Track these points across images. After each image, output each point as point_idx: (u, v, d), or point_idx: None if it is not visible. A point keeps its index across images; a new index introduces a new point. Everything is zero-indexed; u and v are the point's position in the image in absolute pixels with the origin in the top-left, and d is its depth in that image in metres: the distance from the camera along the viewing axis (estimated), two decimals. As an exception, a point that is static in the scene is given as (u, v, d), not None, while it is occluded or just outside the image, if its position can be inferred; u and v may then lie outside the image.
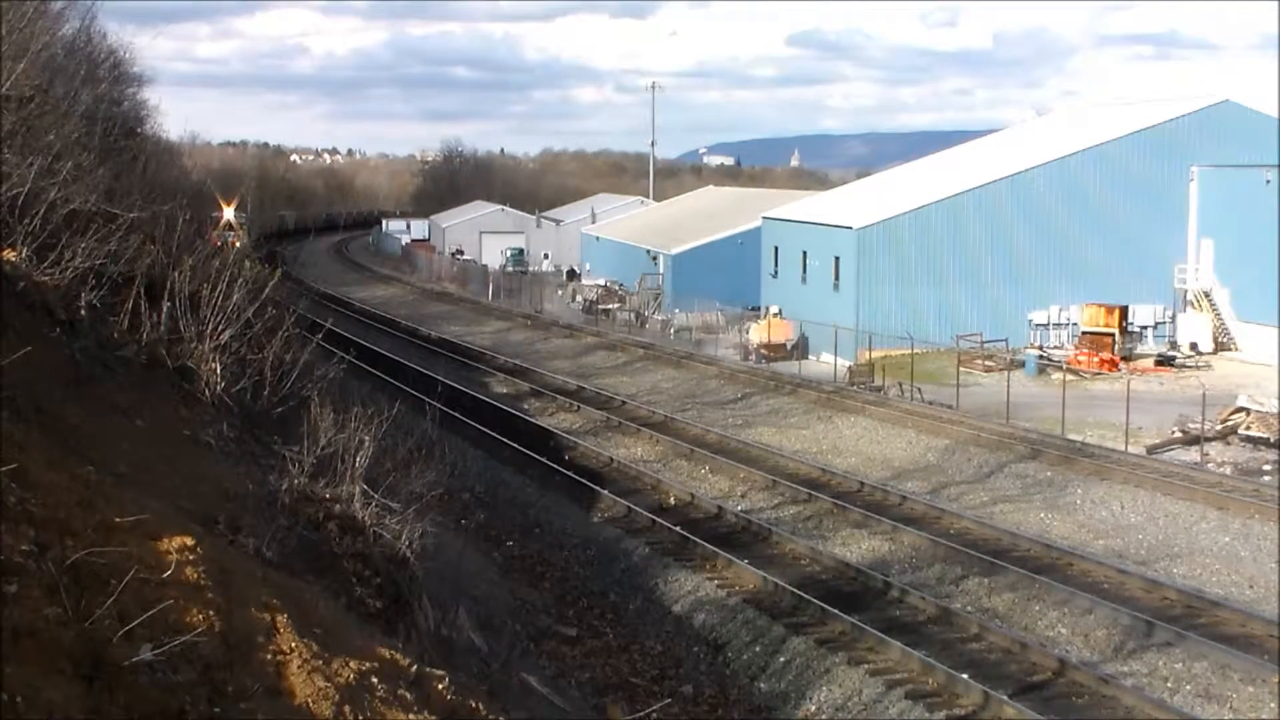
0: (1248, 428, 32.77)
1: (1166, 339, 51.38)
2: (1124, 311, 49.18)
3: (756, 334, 52.39)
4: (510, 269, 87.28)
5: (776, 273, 59.79)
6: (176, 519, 7.55)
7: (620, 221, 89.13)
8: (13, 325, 9.67)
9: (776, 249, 60.11)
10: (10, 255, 11.55)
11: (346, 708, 5.92)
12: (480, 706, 7.19)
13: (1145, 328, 50.98)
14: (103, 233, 13.44)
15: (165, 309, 13.11)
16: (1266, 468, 29.55)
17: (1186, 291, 52.62)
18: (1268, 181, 48.58)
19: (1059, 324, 51.79)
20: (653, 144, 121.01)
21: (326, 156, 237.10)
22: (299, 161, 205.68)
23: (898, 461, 30.55)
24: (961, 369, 40.96)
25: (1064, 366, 43.05)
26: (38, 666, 4.83)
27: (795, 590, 19.48)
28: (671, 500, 26.16)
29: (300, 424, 12.53)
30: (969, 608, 19.44)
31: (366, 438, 12.04)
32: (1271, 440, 31.49)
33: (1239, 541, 23.44)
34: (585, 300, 69.04)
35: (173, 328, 13.22)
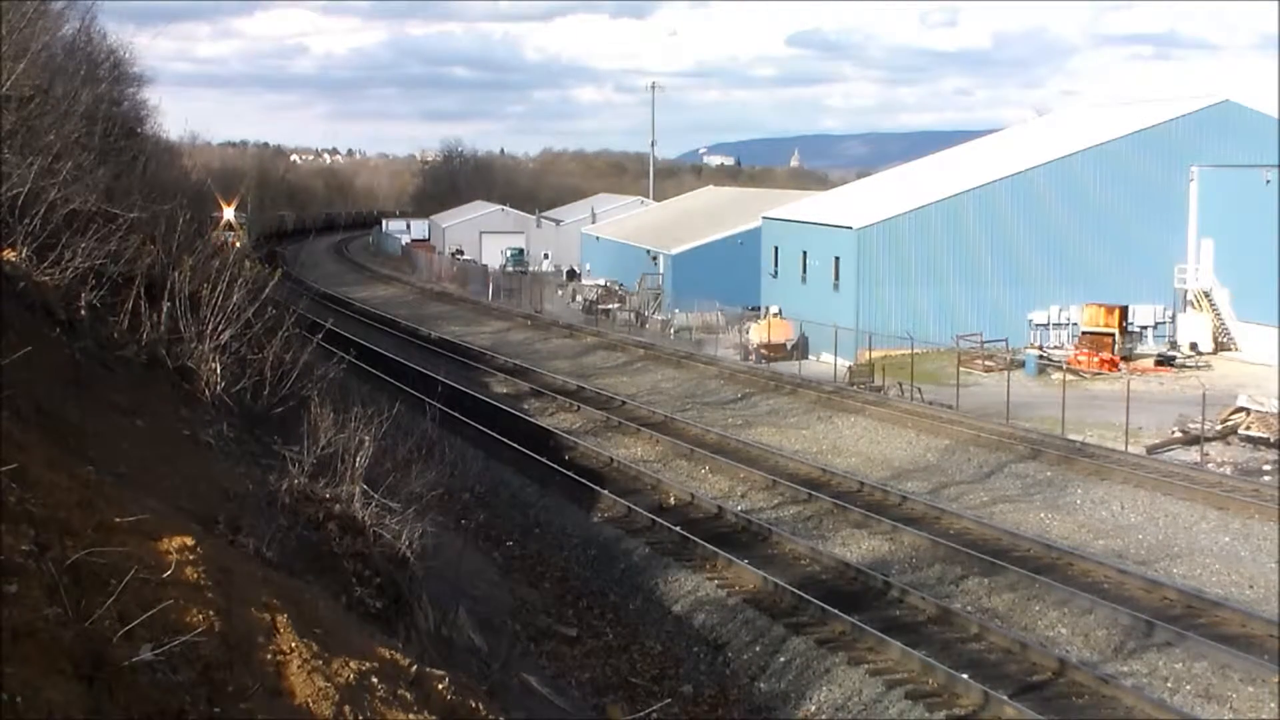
0: (1248, 428, 32.77)
1: (1166, 339, 51.40)
2: (1124, 311, 49.19)
3: (756, 334, 52.39)
4: (510, 269, 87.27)
5: (776, 273, 59.80)
6: (176, 519, 7.55)
7: (620, 221, 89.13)
8: (13, 325, 9.67)
9: (776, 249, 60.12)
10: (10, 255, 11.56)
11: (346, 708, 5.92)
12: (480, 706, 7.19)
13: (1145, 328, 51.00)
14: (103, 233, 13.46)
15: (165, 309, 13.11)
16: (1266, 468, 29.56)
17: (1186, 291, 52.63)
18: (1268, 181, 48.58)
19: (1059, 324, 51.81)
20: (653, 144, 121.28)
21: (326, 156, 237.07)
22: (299, 161, 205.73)
23: (898, 461, 30.55)
24: (961, 369, 40.97)
25: (1064, 366, 43.06)
26: (38, 666, 4.82)
27: (795, 590, 19.48)
28: (671, 500, 26.16)
29: (300, 424, 12.53)
30: (969, 608, 19.44)
31: (366, 438, 12.05)
32: (1271, 440, 31.49)
33: (1239, 541, 23.44)
34: (585, 300, 69.05)
35: (173, 328, 13.22)
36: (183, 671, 5.43)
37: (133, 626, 5.41)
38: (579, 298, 70.63)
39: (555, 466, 28.26)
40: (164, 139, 50.68)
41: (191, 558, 6.50)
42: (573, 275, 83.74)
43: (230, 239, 39.55)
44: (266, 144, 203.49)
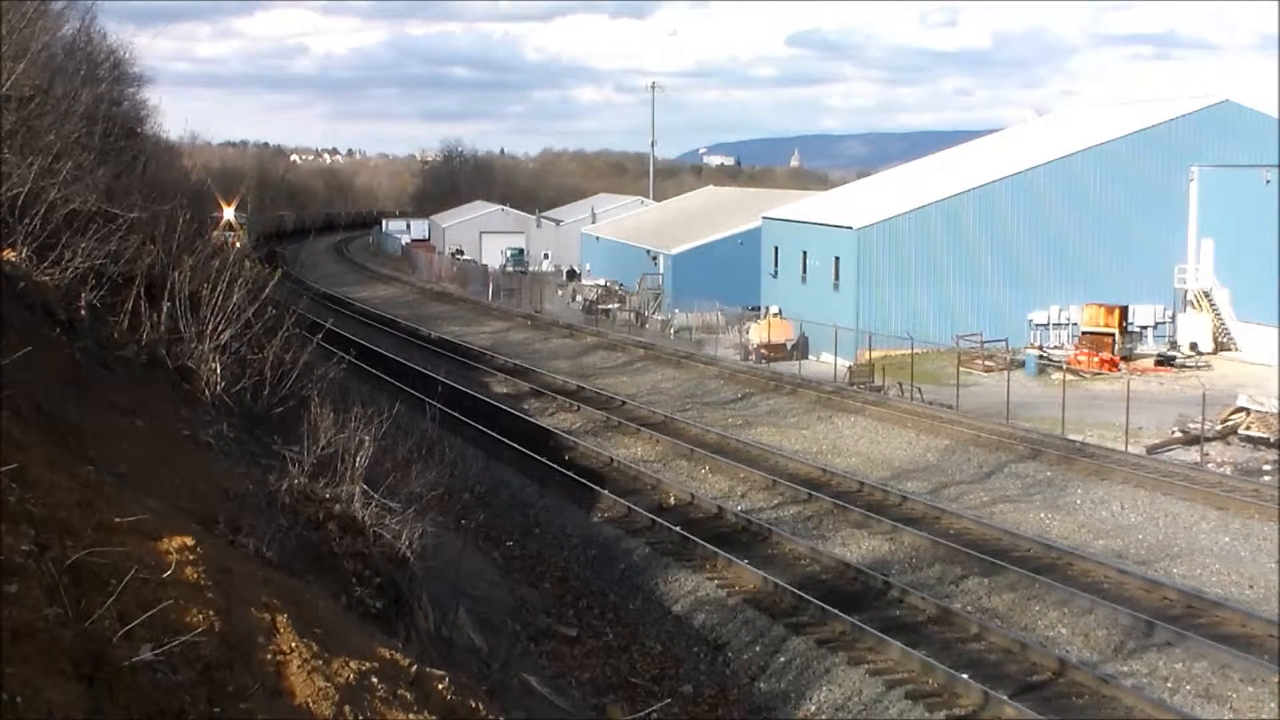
0: (1248, 428, 32.77)
1: (1166, 339, 51.40)
2: (1124, 311, 49.20)
3: (756, 334, 52.38)
4: (510, 269, 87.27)
5: (776, 273, 59.80)
6: (176, 519, 7.55)
7: (620, 221, 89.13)
8: (13, 325, 9.67)
9: (776, 249, 60.12)
10: (10, 255, 11.56)
11: (346, 708, 5.92)
12: (480, 706, 7.19)
13: (1145, 328, 51.01)
14: (103, 233, 13.46)
15: (165, 309, 13.11)
16: (1266, 468, 29.56)
17: (1186, 291, 52.63)
18: (1268, 181, 48.59)
19: (1059, 324, 51.81)
20: (653, 144, 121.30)
21: (326, 156, 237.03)
22: (299, 161, 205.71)
23: (898, 461, 30.55)
24: (961, 369, 40.98)
25: (1064, 366, 43.06)
26: (38, 666, 4.82)
27: (795, 590, 19.48)
28: (671, 500, 26.16)
29: (300, 424, 12.53)
30: (969, 608, 19.44)
31: (366, 438, 12.04)
32: (1271, 440, 31.49)
33: (1239, 541, 23.44)
34: (585, 300, 69.04)
35: (173, 328, 13.22)
36: (183, 671, 5.43)
37: (133, 626, 5.41)
38: (579, 298, 70.63)
39: (555, 466, 28.26)
40: (164, 139, 50.70)
41: (191, 558, 6.50)
42: (573, 275, 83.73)
43: (230, 239, 39.52)
44: (266, 144, 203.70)
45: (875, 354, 45.08)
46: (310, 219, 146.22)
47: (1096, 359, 45.66)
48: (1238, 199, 50.90)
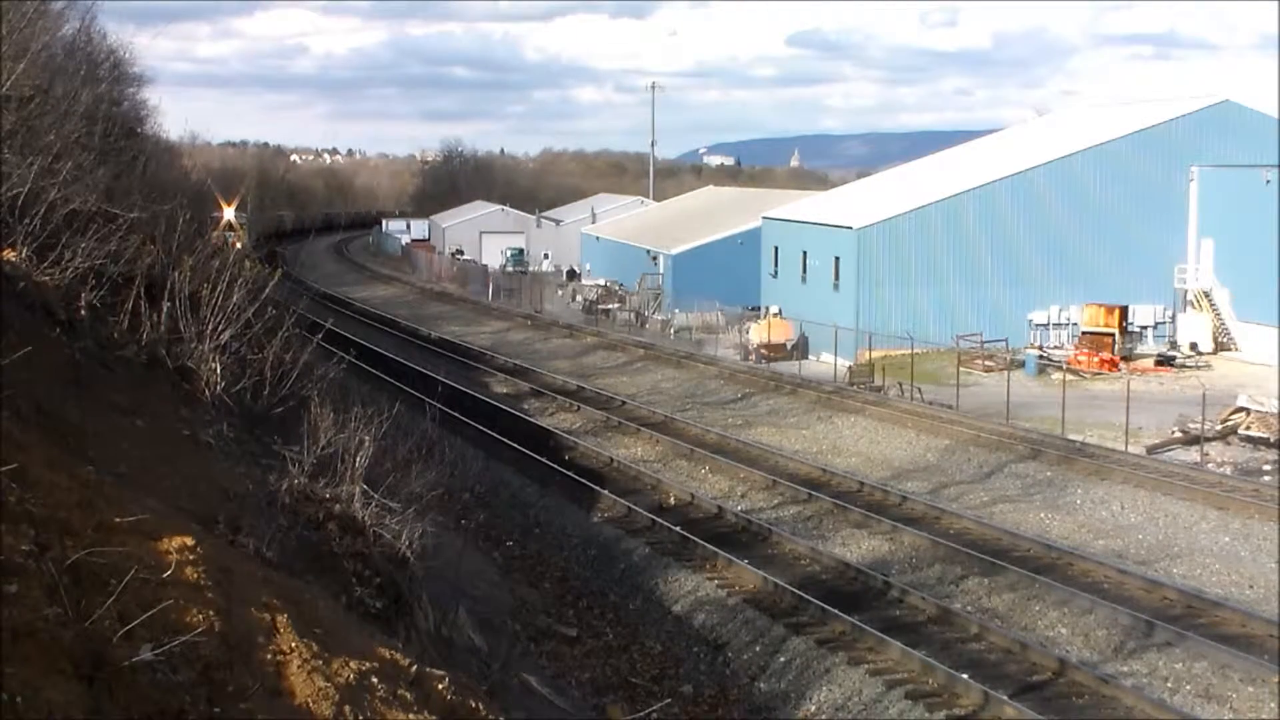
0: (1248, 428, 32.77)
1: (1166, 339, 51.40)
2: (1124, 311, 49.20)
3: (756, 334, 52.38)
4: (510, 269, 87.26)
5: (776, 273, 59.79)
6: (176, 519, 7.55)
7: (620, 221, 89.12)
8: (13, 325, 9.67)
9: (776, 249, 60.12)
10: (10, 255, 11.56)
11: (346, 708, 5.92)
12: (480, 706, 7.19)
13: (1145, 328, 51.01)
14: (103, 233, 13.47)
15: (165, 309, 13.11)
16: (1266, 468, 29.56)
17: (1186, 291, 52.63)
18: (1268, 181, 48.58)
19: (1059, 324, 51.81)
20: (653, 144, 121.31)
21: (326, 156, 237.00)
22: (299, 161, 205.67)
23: (898, 461, 30.55)
24: (961, 369, 40.98)
25: (1064, 366, 43.05)
26: (38, 666, 4.82)
27: (795, 590, 19.48)
28: (671, 500, 26.16)
29: (300, 424, 12.53)
30: (969, 608, 19.44)
31: (366, 438, 12.04)
32: (1271, 440, 31.49)
33: (1239, 541, 23.44)
34: (585, 300, 69.03)
35: (173, 328, 13.22)
36: (183, 671, 5.43)
37: (133, 626, 5.41)
38: (579, 298, 70.62)
39: (555, 466, 28.26)
40: (164, 139, 50.74)
41: (191, 558, 6.50)
42: (573, 275, 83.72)
43: (230, 239, 39.52)
44: (266, 144, 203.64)
45: (875, 354, 45.08)
46: (310, 219, 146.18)
47: (1096, 359, 45.66)
48: (1238, 199, 50.91)
